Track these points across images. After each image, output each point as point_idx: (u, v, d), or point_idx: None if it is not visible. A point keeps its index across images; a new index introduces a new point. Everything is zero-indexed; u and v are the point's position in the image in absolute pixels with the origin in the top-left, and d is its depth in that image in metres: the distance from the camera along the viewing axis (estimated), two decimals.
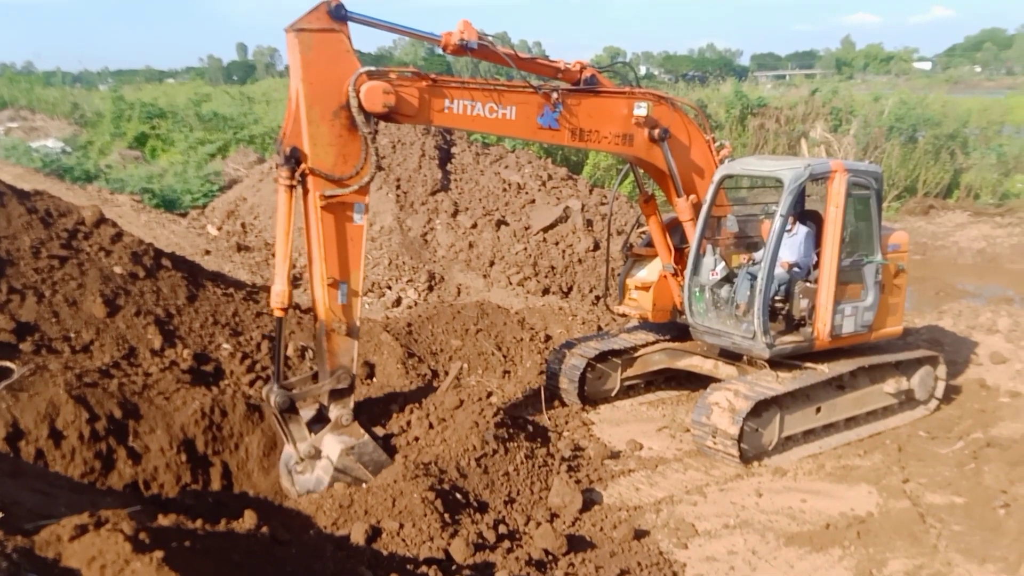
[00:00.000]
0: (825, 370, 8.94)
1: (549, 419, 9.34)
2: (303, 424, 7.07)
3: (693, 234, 9.23)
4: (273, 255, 15.79)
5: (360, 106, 6.85)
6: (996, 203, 25.05)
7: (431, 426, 7.70)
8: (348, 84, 6.83)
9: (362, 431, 7.28)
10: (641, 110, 8.59)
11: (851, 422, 9.38)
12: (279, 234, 6.79)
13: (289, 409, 6.94)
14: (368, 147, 7.00)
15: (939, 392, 10.02)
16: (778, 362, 9.03)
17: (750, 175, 9.89)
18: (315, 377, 7.26)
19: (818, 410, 9.04)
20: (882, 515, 7.36)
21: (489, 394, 8.74)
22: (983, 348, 11.40)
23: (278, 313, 6.83)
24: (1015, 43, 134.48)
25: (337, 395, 7.19)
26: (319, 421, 7.20)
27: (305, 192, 6.88)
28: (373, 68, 6.98)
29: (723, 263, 9.18)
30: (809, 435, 9.05)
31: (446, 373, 9.78)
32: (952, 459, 8.56)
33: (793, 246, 9.24)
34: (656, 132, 8.78)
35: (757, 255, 9.45)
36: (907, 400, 9.79)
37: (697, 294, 9.21)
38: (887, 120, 27.64)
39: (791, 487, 7.99)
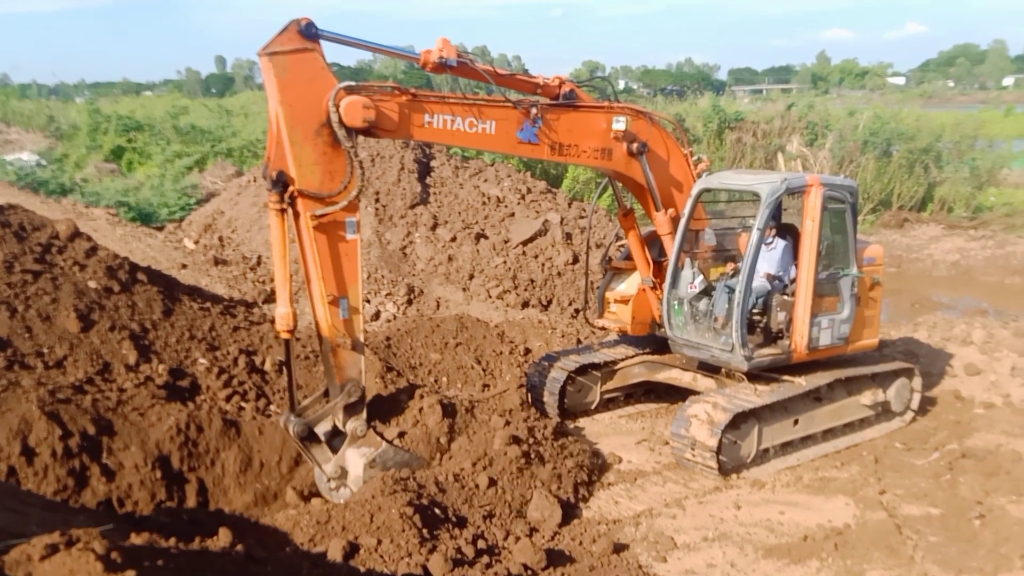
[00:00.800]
0: (803, 383, 8.99)
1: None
2: (325, 446, 7.24)
3: (671, 248, 9.29)
4: (252, 270, 15.68)
5: (341, 121, 6.86)
6: (969, 216, 25.40)
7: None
8: (327, 101, 6.83)
9: (379, 439, 7.41)
10: (620, 124, 8.65)
11: (828, 434, 9.44)
12: (276, 258, 6.85)
13: (308, 436, 7.09)
14: (353, 162, 7.03)
15: (915, 404, 10.11)
16: (756, 375, 9.08)
17: (728, 189, 9.97)
18: (326, 394, 7.35)
19: (796, 422, 9.09)
20: (859, 526, 7.40)
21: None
22: (958, 360, 11.52)
23: (284, 335, 6.93)
24: (987, 58, 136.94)
25: (350, 409, 7.30)
26: (336, 435, 7.33)
27: (296, 215, 6.91)
28: (352, 83, 7.00)
29: (701, 276, 9.23)
30: (787, 447, 9.09)
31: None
32: (928, 470, 8.63)
33: (772, 260, 9.31)
34: (634, 146, 8.83)
35: (738, 267, 9.50)
36: (883, 412, 9.87)
37: (676, 307, 9.25)
38: (862, 134, 27.97)
39: (769, 499, 8.02)
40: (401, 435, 7.68)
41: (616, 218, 11.42)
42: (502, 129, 7.89)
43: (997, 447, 8.93)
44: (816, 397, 9.22)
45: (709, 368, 9.59)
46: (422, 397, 8.07)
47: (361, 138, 7.25)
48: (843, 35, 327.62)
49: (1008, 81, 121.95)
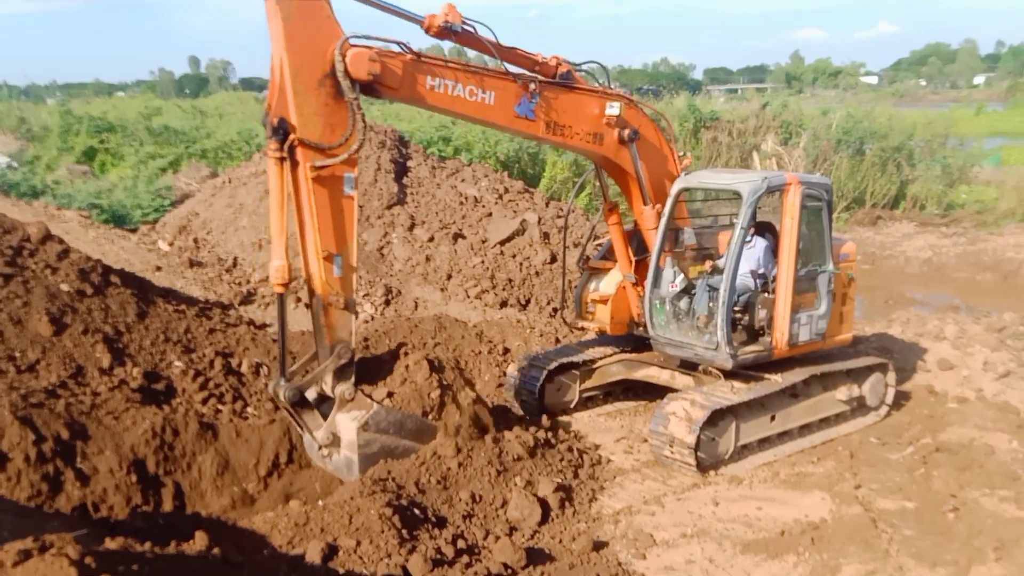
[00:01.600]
0: (779, 380, 9.07)
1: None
2: (316, 413, 7.05)
3: (653, 245, 9.31)
4: (228, 272, 15.54)
5: (346, 72, 6.72)
6: (941, 213, 25.74)
7: None
8: (333, 51, 6.70)
9: (369, 400, 7.23)
10: (614, 110, 8.64)
11: (805, 429, 9.52)
12: (273, 208, 6.68)
13: (300, 402, 6.91)
14: (355, 115, 6.86)
15: (889, 399, 10.23)
16: (733, 372, 9.14)
17: (707, 188, 10.02)
18: (315, 358, 7.19)
19: (773, 418, 9.16)
20: (835, 521, 7.47)
21: None
22: (931, 355, 11.67)
23: (278, 289, 6.74)
24: (958, 57, 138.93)
25: (340, 372, 7.12)
26: (324, 401, 7.22)
27: (294, 165, 6.71)
28: (357, 34, 6.83)
29: (682, 275, 9.28)
30: (764, 443, 9.16)
31: None
32: (903, 464, 8.74)
33: (751, 258, 9.37)
34: (626, 132, 8.84)
35: (716, 265, 9.55)
36: (859, 407, 9.98)
37: (658, 306, 9.27)
38: (835, 133, 28.27)
39: (747, 495, 8.07)
40: (390, 395, 7.53)
41: (593, 216, 11.46)
42: (501, 101, 7.82)
43: (970, 441, 9.05)
44: (792, 393, 9.30)
45: (687, 366, 9.64)
46: (407, 355, 7.92)
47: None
48: (816, 35, 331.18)
49: (979, 80, 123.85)
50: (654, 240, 9.31)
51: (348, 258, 7.09)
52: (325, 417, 7.19)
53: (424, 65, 7.29)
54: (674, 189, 9.27)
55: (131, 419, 7.21)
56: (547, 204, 18.86)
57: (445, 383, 7.80)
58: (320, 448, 7.14)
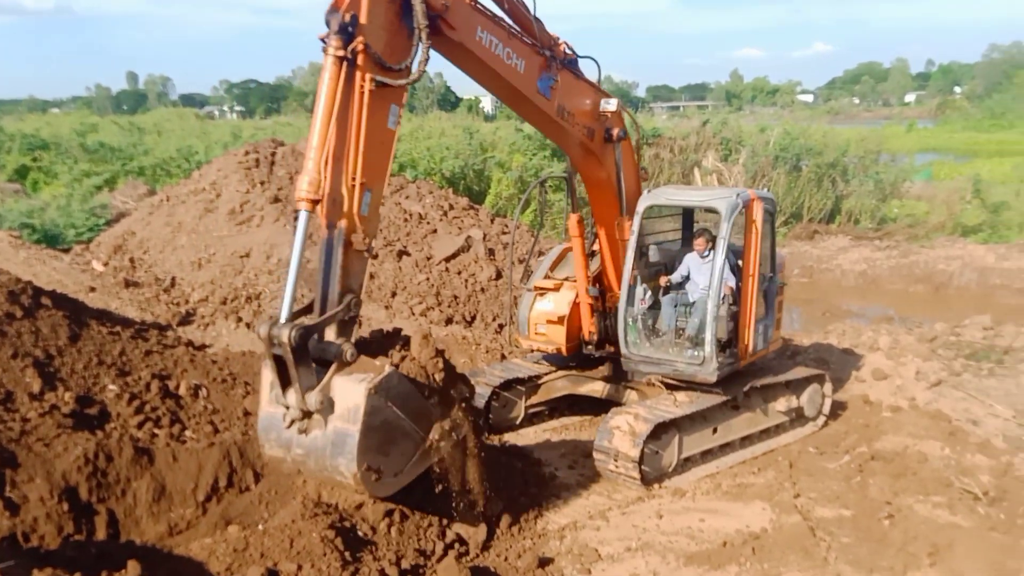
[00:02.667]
0: (720, 392, 9.21)
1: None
2: (313, 368, 5.89)
3: (622, 260, 9.36)
4: (166, 292, 15.19)
5: None
6: (875, 227, 26.52)
7: None
8: None
9: (378, 364, 6.13)
10: (610, 105, 8.67)
11: (746, 441, 9.68)
12: (320, 114, 5.94)
13: (300, 349, 5.74)
14: (420, 45, 6.37)
15: (826, 409, 10.47)
16: (674, 386, 9.26)
17: (678, 205, 10.11)
18: (307, 311, 6.30)
19: (715, 431, 9.29)
20: (775, 530, 7.61)
21: None
22: (866, 365, 11.98)
23: (305, 207, 5.85)
24: (890, 76, 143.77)
25: (343, 328, 6.22)
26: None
27: (350, 77, 6.07)
28: None
29: (649, 292, 9.39)
30: (707, 455, 9.29)
31: None
32: (840, 473, 8.94)
33: (709, 272, 9.48)
34: (615, 132, 8.89)
35: (671, 280, 9.74)
36: (797, 417, 10.18)
37: (631, 324, 9.31)
38: (773, 150, 28.96)
39: (690, 507, 8.17)
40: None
41: (538, 233, 11.45)
42: (528, 71, 7.66)
43: (904, 449, 9.30)
44: (734, 406, 9.45)
45: (627, 380, 9.74)
46: (407, 337, 7.20)
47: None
48: (754, 54, 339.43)
49: (910, 97, 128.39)
50: (623, 255, 9.34)
51: (377, 197, 6.40)
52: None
53: (479, 15, 7.09)
54: (641, 206, 9.33)
55: (63, 445, 6.97)
56: (492, 221, 18.92)
57: (451, 367, 6.93)
58: (291, 424, 5.87)
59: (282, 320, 5.82)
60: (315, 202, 5.88)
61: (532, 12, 7.72)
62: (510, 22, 7.61)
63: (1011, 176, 30.71)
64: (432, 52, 6.58)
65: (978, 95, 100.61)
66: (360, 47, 6.04)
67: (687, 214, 10.59)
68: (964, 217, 26.01)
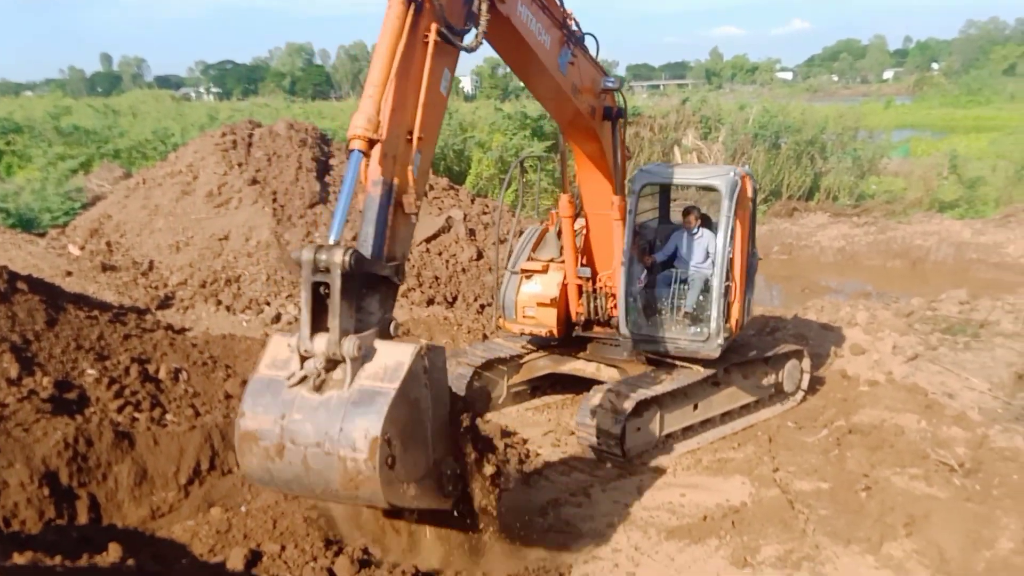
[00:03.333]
0: (701, 370, 9.28)
1: None
2: (353, 309, 4.95)
3: (618, 238, 9.35)
4: (144, 275, 15.04)
5: None
6: (853, 204, 26.69)
7: None
8: None
9: (414, 341, 5.61)
10: (611, 83, 8.65)
11: (726, 416, 9.77)
12: (382, 54, 5.36)
13: (353, 278, 4.86)
14: (483, 17, 5.99)
15: (805, 384, 10.58)
16: (657, 361, 9.33)
17: (677, 183, 10.11)
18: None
19: (695, 407, 9.38)
20: (755, 504, 7.71)
21: None
22: (844, 340, 12.10)
23: (359, 145, 5.18)
24: (868, 53, 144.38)
25: (385, 297, 5.35)
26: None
27: (415, 25, 5.54)
28: None
29: (645, 271, 9.42)
30: (688, 431, 9.37)
31: None
32: (818, 447, 9.05)
33: (701, 248, 9.52)
34: (614, 110, 8.87)
35: (659, 257, 9.79)
36: (776, 393, 10.29)
37: (631, 304, 9.33)
38: (752, 127, 29.02)
39: (671, 483, 8.26)
40: None
41: (520, 213, 11.38)
42: (553, 47, 7.48)
43: (881, 422, 9.42)
44: (714, 382, 9.53)
45: (611, 358, 9.80)
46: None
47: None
48: (733, 32, 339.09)
49: (888, 74, 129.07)
50: (620, 232, 9.33)
51: (427, 162, 5.92)
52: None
53: None
54: (638, 184, 9.33)
55: (42, 430, 6.93)
56: (472, 201, 18.88)
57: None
58: (302, 381, 4.82)
59: (331, 241, 4.93)
60: (371, 143, 5.21)
61: None
62: None
63: (987, 152, 30.96)
64: None
65: (955, 71, 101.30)
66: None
67: (664, 191, 10.60)
68: (941, 193, 26.24)
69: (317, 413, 4.71)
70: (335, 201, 17.52)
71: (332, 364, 4.82)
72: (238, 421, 4.85)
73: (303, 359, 4.84)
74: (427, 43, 5.60)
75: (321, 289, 4.84)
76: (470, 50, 6.08)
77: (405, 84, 5.57)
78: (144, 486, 7.10)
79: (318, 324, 4.84)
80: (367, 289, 5.15)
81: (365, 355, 4.84)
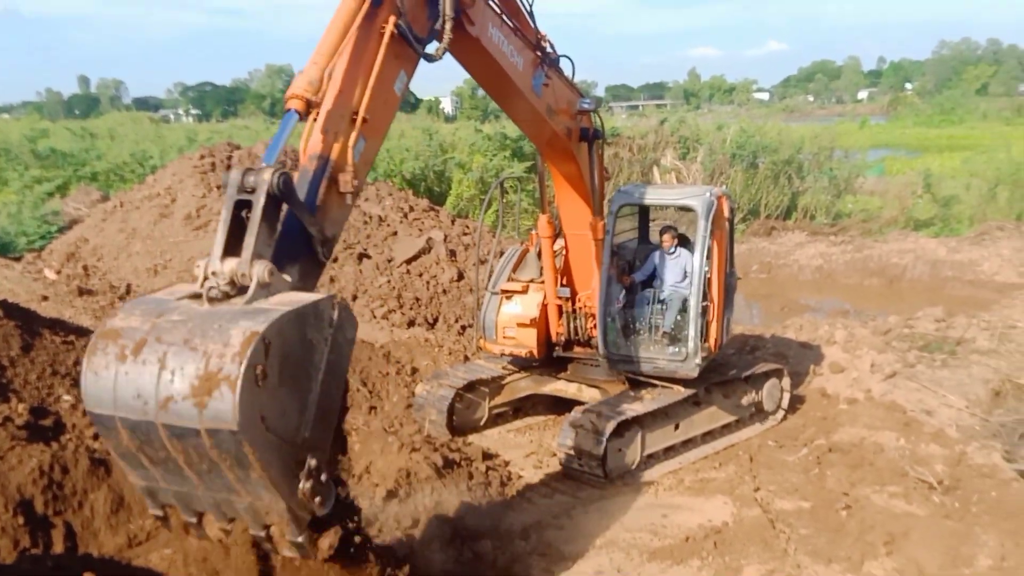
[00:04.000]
0: (681, 390, 9.31)
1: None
2: (273, 241, 4.65)
3: (585, 260, 9.41)
4: (121, 299, 14.93)
5: None
6: (830, 223, 26.97)
7: None
8: None
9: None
10: (587, 104, 8.69)
11: (707, 436, 9.80)
12: (337, 27, 5.20)
13: (277, 200, 4.57)
14: (446, 35, 6.01)
15: (785, 403, 10.64)
16: (638, 381, 9.35)
17: (654, 204, 10.16)
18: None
19: (676, 427, 9.39)
20: (736, 524, 7.72)
21: None
22: (823, 358, 12.19)
23: (296, 105, 4.94)
24: (843, 74, 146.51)
25: (307, 269, 5.25)
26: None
27: (372, 15, 5.43)
28: None
29: (624, 291, 9.46)
30: (669, 451, 9.38)
31: None
32: (798, 465, 9.09)
33: (678, 268, 9.57)
34: (590, 131, 8.91)
35: (637, 276, 9.80)
36: (757, 412, 10.33)
37: (610, 324, 9.36)
38: (730, 148, 29.32)
39: (653, 503, 8.26)
40: None
41: (500, 233, 11.43)
42: (526, 69, 7.52)
43: (860, 440, 9.48)
44: (695, 402, 9.56)
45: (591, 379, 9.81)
46: None
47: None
48: (710, 53, 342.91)
49: (863, 95, 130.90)
50: (594, 254, 9.40)
51: (371, 151, 5.71)
52: None
53: (489, 10, 6.89)
54: (615, 204, 9.39)
55: (17, 458, 6.83)
56: (453, 222, 18.90)
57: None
58: (193, 297, 4.32)
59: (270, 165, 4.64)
60: (309, 105, 4.97)
61: (528, 5, 7.53)
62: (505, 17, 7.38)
63: (961, 170, 31.41)
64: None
65: (928, 91, 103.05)
66: None
67: (643, 211, 10.67)
68: (916, 211, 26.58)
69: (199, 317, 4.13)
70: None
71: (236, 289, 4.36)
72: (105, 320, 4.24)
73: (205, 281, 4.37)
74: (383, 33, 5.48)
75: (243, 213, 4.50)
76: (431, 59, 6.08)
77: (356, 70, 5.42)
78: (121, 514, 7.00)
79: (231, 249, 4.45)
80: (287, 258, 4.81)
81: (273, 288, 4.44)
